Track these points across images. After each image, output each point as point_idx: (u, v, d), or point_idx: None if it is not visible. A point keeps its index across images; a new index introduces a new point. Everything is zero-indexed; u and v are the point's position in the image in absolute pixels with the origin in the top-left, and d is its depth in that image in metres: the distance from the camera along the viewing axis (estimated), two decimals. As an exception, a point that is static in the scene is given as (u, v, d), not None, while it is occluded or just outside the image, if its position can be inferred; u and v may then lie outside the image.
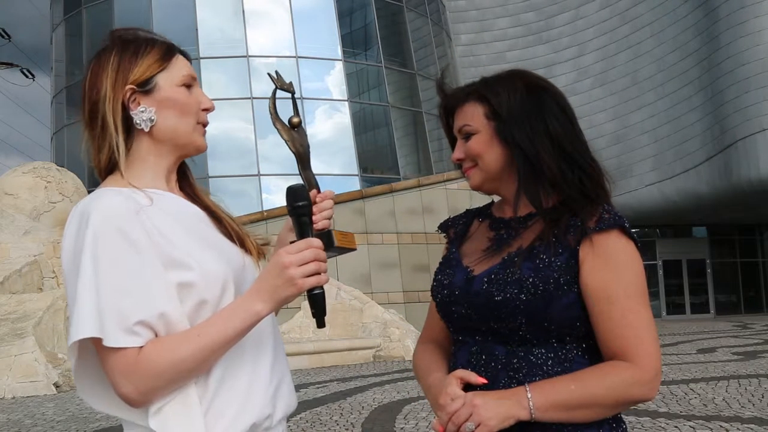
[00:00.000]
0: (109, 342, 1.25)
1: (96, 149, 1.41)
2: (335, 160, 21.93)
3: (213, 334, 1.29)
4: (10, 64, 34.23)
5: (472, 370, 1.47)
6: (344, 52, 23.81)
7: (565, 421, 1.41)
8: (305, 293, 1.34)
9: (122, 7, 23.72)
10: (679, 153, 28.57)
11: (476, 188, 1.60)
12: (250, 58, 22.20)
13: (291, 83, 1.50)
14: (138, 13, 23.13)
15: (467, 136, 1.57)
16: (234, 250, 1.45)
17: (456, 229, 1.68)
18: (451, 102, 1.62)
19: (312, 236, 1.35)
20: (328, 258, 1.43)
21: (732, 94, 26.01)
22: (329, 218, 1.43)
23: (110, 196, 1.33)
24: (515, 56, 32.84)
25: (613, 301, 1.42)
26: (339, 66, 23.65)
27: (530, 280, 1.43)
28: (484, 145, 1.54)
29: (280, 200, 20.52)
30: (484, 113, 1.54)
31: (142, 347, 1.27)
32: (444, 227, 1.71)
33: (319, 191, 1.46)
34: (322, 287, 1.34)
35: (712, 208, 28.84)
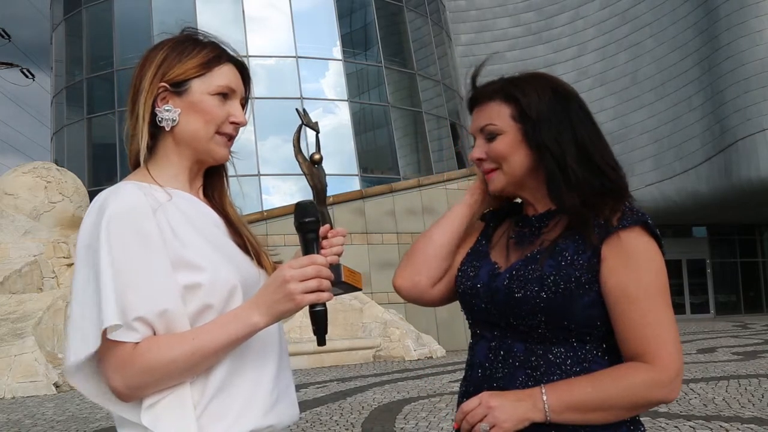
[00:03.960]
0: (110, 334, 1.27)
1: (131, 137, 1.45)
2: (335, 160, 21.93)
3: (208, 339, 1.30)
4: (10, 64, 34.25)
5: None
6: (344, 52, 23.82)
7: (581, 423, 1.39)
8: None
9: (122, 8, 23.74)
10: (679, 153, 28.58)
11: (497, 192, 1.56)
12: (250, 58, 22.19)
13: (317, 123, 1.51)
14: (138, 13, 23.15)
15: (491, 136, 1.52)
16: (247, 261, 1.46)
17: (493, 222, 1.66)
18: (477, 97, 1.56)
19: (317, 253, 1.35)
20: (333, 294, 1.44)
21: (732, 94, 26.02)
22: (339, 254, 1.44)
23: (130, 190, 1.36)
24: (515, 56, 32.82)
25: (633, 300, 1.39)
26: (339, 66, 23.66)
27: (551, 277, 1.41)
28: (510, 148, 1.50)
29: (279, 201, 20.53)
30: (511, 114, 1.50)
31: (138, 343, 1.29)
32: (485, 217, 1.67)
33: (332, 227, 1.47)
34: (324, 304, 1.33)
35: (712, 208, 28.84)
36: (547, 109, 1.48)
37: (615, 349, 1.45)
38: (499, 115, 1.51)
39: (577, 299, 1.41)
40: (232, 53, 1.49)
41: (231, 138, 1.48)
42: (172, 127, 1.43)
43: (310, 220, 1.37)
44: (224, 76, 1.45)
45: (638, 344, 1.40)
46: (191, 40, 1.47)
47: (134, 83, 1.45)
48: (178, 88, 1.43)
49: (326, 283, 1.31)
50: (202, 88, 1.43)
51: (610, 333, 1.44)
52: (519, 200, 1.67)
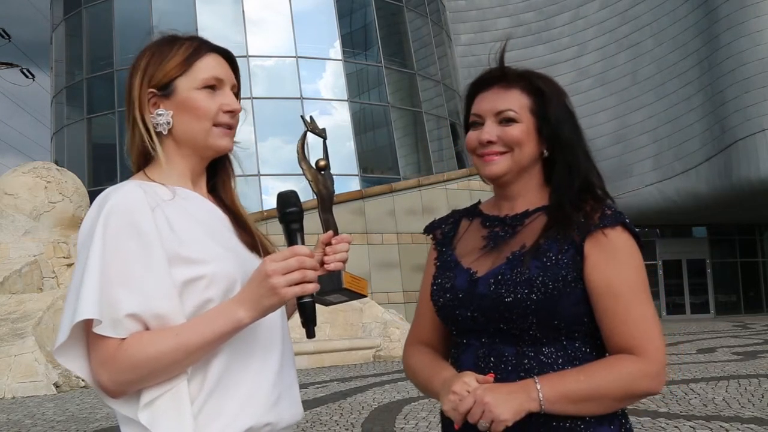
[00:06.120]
0: (94, 328, 1.27)
1: (130, 147, 1.47)
2: (335, 160, 21.68)
3: (191, 335, 1.29)
4: (10, 64, 34.25)
5: (480, 373, 1.46)
6: (344, 52, 23.80)
7: (574, 414, 1.41)
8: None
9: (122, 8, 23.73)
10: (679, 153, 28.56)
11: (497, 176, 1.55)
12: (250, 58, 22.19)
13: (324, 129, 1.47)
14: (138, 13, 23.14)
15: (507, 122, 1.53)
16: (253, 258, 1.45)
17: (443, 230, 1.66)
18: (503, 75, 1.56)
19: (301, 244, 1.33)
20: (336, 302, 1.42)
21: (732, 94, 26.00)
22: (343, 261, 1.43)
23: (131, 188, 1.36)
24: (515, 56, 32.54)
25: (617, 296, 1.43)
26: (339, 66, 23.65)
27: (539, 279, 1.43)
28: (526, 136, 1.53)
29: (279, 200, 20.50)
30: (530, 106, 1.53)
31: (124, 339, 1.28)
32: (430, 229, 1.69)
33: (336, 233, 1.45)
34: (311, 296, 1.32)
35: (712, 208, 28.82)
36: (563, 110, 1.55)
37: (603, 344, 1.48)
38: (519, 103, 1.53)
39: (565, 298, 1.43)
40: (213, 44, 1.49)
41: (231, 127, 1.47)
42: (170, 130, 1.43)
43: (291, 211, 1.34)
44: (207, 68, 1.45)
45: (625, 339, 1.43)
46: (170, 40, 1.47)
47: (127, 93, 1.46)
48: (165, 90, 1.43)
49: (310, 274, 1.29)
50: (187, 85, 1.43)
51: (597, 328, 1.47)
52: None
